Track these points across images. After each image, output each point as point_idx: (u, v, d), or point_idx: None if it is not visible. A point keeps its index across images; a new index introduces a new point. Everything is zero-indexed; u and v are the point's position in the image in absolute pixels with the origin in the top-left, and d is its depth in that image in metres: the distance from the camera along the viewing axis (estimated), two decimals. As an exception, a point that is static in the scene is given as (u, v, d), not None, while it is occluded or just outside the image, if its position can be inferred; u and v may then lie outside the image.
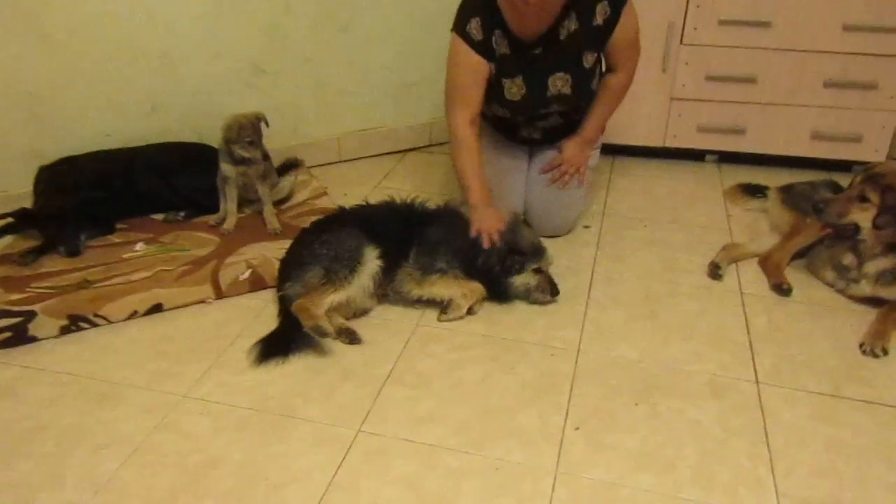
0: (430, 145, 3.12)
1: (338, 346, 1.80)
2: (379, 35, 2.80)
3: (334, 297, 1.77)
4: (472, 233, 1.96)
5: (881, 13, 2.54)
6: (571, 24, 2.01)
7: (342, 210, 2.08)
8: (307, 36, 2.67)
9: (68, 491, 1.39)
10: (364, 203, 2.11)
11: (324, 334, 1.72)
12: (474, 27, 2.00)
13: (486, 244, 1.93)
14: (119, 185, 2.35)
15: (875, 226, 1.89)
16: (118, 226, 2.34)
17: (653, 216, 2.52)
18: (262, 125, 2.30)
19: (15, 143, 2.34)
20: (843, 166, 2.81)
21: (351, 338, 1.80)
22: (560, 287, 2.00)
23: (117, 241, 2.25)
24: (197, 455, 1.47)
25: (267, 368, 1.73)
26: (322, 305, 1.74)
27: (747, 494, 1.40)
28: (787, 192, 2.35)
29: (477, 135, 2.11)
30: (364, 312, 1.93)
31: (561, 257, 2.20)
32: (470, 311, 1.93)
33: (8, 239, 2.23)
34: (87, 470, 1.44)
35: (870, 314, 1.94)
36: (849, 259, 1.99)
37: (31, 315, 1.82)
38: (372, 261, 1.85)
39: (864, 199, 1.91)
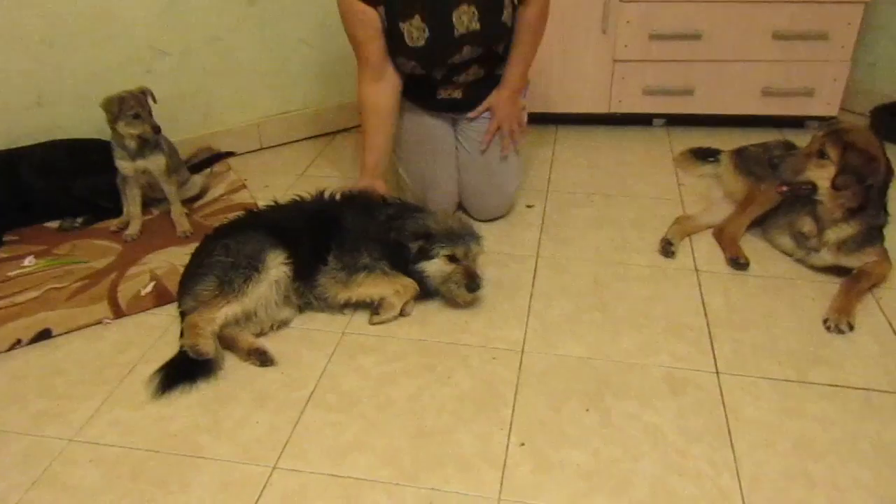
0: (357, 126, 2.85)
1: (253, 368, 1.59)
2: (293, 7, 2.54)
3: (228, 311, 1.57)
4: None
5: (829, -42, 2.38)
6: None
7: (249, 212, 1.86)
8: (211, 11, 2.41)
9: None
10: (273, 203, 1.87)
11: (201, 354, 1.52)
12: None
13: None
14: (4, 191, 2.08)
15: (833, 186, 1.74)
16: (6, 237, 2.08)
17: (600, 190, 2.35)
18: (149, 100, 2.02)
19: None
20: (796, 123, 2.68)
21: (261, 359, 1.59)
22: (502, 277, 1.81)
23: (3, 256, 2.00)
24: (83, 513, 1.26)
25: (170, 399, 1.51)
26: (213, 321, 1.55)
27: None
28: (739, 155, 2.18)
29: (385, 93, 1.91)
30: (282, 324, 1.72)
31: (503, 243, 2.02)
32: (402, 313, 1.74)
33: None
34: (-53, 544, 1.22)
35: (832, 285, 1.80)
36: (808, 226, 1.84)
37: None
38: (276, 266, 1.64)
39: (823, 155, 1.75)
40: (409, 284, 1.74)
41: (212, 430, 1.43)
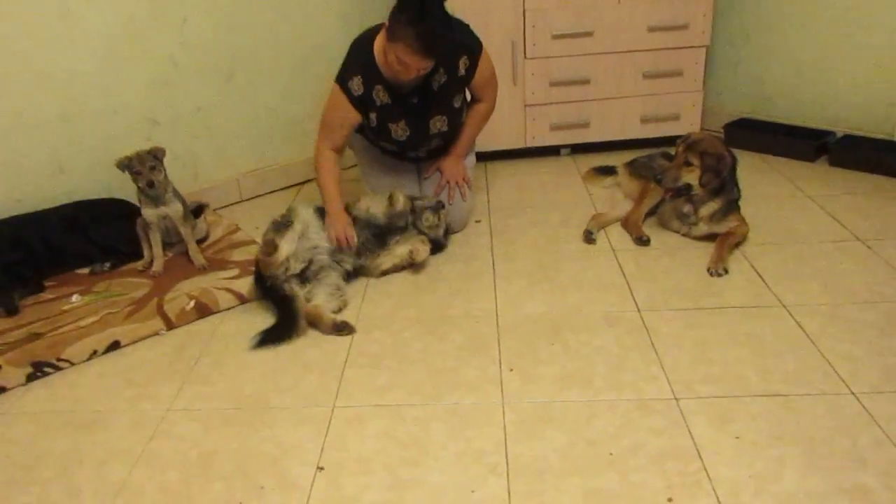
0: (322, 174, 3.40)
1: (296, 347, 2.05)
2: (262, 80, 3.07)
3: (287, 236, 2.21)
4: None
5: (675, 15, 3.15)
6: (441, 78, 2.42)
7: None
8: (196, 87, 2.89)
9: (87, 500, 1.54)
10: None
11: (344, 329, 2.10)
12: (356, 84, 2.37)
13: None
14: (38, 245, 2.44)
15: (701, 184, 2.40)
16: (47, 283, 2.43)
17: (529, 204, 2.96)
18: (152, 158, 2.40)
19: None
20: (670, 140, 3.36)
21: (344, 328, 2.10)
22: (469, 269, 2.38)
23: (50, 296, 2.35)
24: (196, 450, 1.67)
25: (235, 374, 1.94)
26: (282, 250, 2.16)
27: (647, 387, 1.80)
28: (632, 165, 2.86)
29: (337, 158, 2.50)
30: (341, 294, 2.25)
31: (464, 247, 2.58)
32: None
33: (-64, 312, 2.27)
34: (98, 481, 1.59)
35: (710, 247, 2.44)
36: (687, 208, 2.49)
37: (-5, 369, 1.92)
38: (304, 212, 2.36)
39: (688, 163, 2.42)
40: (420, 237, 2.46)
41: (276, 389, 1.87)
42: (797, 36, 3.26)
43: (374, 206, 2.48)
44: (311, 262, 2.26)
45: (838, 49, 3.14)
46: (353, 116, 2.42)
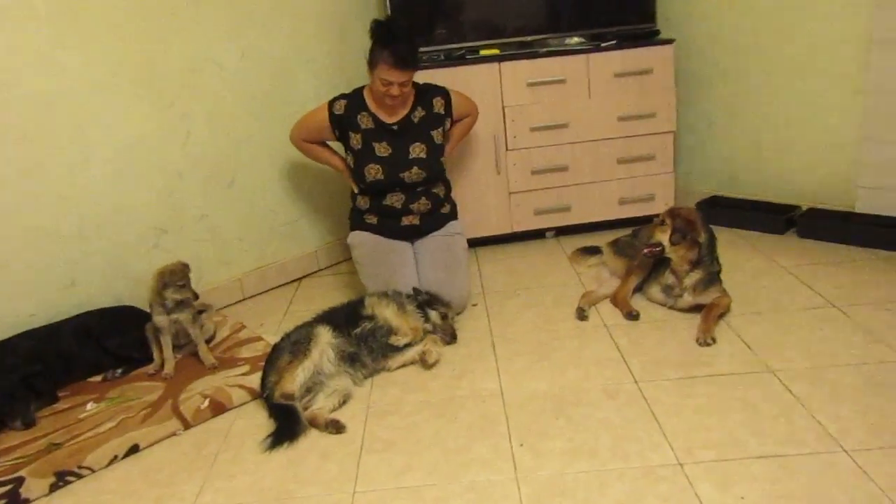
0: (319, 270, 3.55)
1: (312, 438, 2.12)
2: (261, 185, 3.25)
3: (301, 369, 2.23)
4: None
5: (641, 106, 3.42)
6: (420, 112, 2.89)
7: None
8: (200, 195, 3.05)
9: None
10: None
11: (290, 398, 2.18)
12: (339, 106, 2.87)
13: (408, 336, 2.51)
14: (53, 357, 2.52)
15: (671, 241, 2.57)
16: (60, 393, 2.49)
17: (522, 286, 3.10)
18: (188, 270, 2.59)
19: (-56, 337, 2.46)
20: (648, 220, 3.56)
21: (336, 427, 2.14)
22: (471, 352, 2.49)
23: (65, 406, 2.41)
24: (226, 546, 1.72)
25: (254, 468, 2.00)
26: (294, 379, 2.20)
27: (652, 455, 1.90)
28: (615, 245, 3.04)
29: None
30: (345, 399, 2.30)
31: (464, 331, 2.69)
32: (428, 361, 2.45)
33: (-48, 429, 2.31)
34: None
35: (695, 319, 2.59)
36: (671, 279, 2.66)
37: (19, 481, 1.96)
38: (325, 334, 2.36)
39: (663, 223, 2.60)
40: (420, 327, 2.52)
41: (295, 480, 1.94)
42: (756, 119, 3.54)
43: (383, 311, 2.53)
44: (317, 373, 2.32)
45: (796, 130, 3.41)
46: (327, 129, 2.90)
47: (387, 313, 2.51)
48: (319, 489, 1.89)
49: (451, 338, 2.61)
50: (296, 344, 2.32)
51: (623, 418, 2.07)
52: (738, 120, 3.61)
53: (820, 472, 1.77)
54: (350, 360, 2.38)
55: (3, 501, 1.91)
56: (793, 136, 3.43)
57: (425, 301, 2.65)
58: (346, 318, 2.48)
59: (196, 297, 2.59)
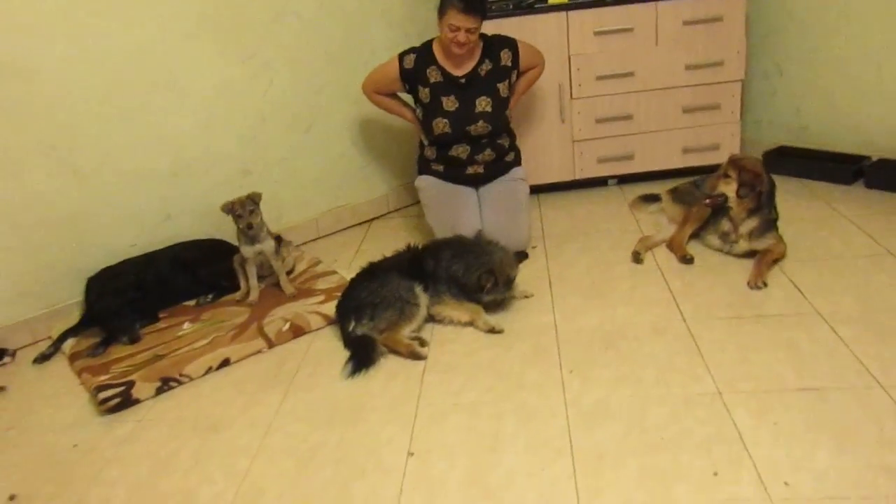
0: (389, 212, 3.75)
1: (381, 359, 2.34)
2: (336, 131, 3.45)
3: (408, 328, 2.41)
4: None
5: (709, 54, 3.42)
6: (487, 66, 2.96)
7: (371, 263, 2.61)
8: (280, 139, 3.28)
9: (220, 484, 1.85)
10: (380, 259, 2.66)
11: (421, 356, 2.32)
12: (409, 60, 2.96)
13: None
14: (153, 282, 2.82)
15: (737, 195, 2.64)
16: (160, 315, 2.80)
17: (580, 230, 3.22)
18: (251, 203, 2.74)
19: (60, 262, 2.78)
20: (710, 169, 3.60)
21: (421, 343, 2.39)
22: (528, 288, 2.65)
23: (164, 326, 2.72)
24: (305, 444, 1.97)
25: (329, 383, 2.24)
26: (403, 336, 2.38)
27: (693, 385, 2.03)
28: (674, 192, 3.11)
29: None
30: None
31: (523, 269, 2.84)
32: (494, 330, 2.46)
33: (70, 341, 2.65)
34: (227, 469, 1.90)
35: (750, 264, 2.66)
36: (727, 226, 2.73)
37: (131, 383, 2.27)
38: (423, 296, 2.47)
39: (727, 175, 2.66)
40: (475, 308, 2.52)
41: (366, 394, 2.17)
42: (828, 69, 3.48)
43: (453, 264, 2.55)
44: None
45: (868, 80, 3.34)
46: (396, 81, 3.00)
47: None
48: (387, 402, 2.12)
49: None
50: (402, 302, 2.40)
51: (669, 352, 2.20)
52: (811, 68, 3.56)
53: (854, 404, 1.87)
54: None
55: (119, 400, 2.22)
56: (868, 84, 3.36)
57: (489, 288, 2.51)
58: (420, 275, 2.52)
59: (249, 226, 2.71)
